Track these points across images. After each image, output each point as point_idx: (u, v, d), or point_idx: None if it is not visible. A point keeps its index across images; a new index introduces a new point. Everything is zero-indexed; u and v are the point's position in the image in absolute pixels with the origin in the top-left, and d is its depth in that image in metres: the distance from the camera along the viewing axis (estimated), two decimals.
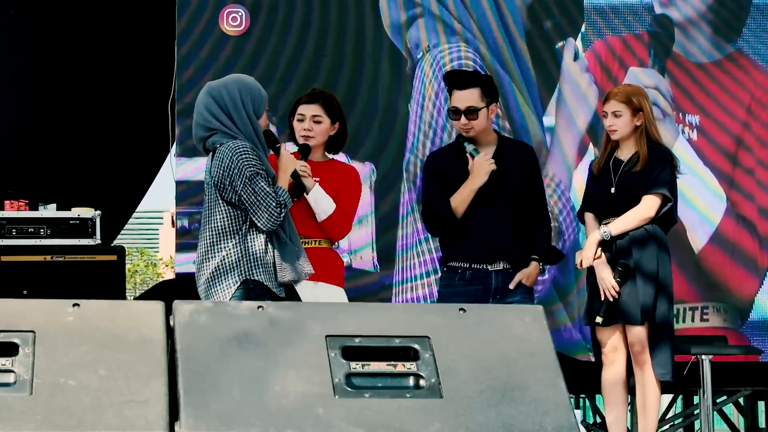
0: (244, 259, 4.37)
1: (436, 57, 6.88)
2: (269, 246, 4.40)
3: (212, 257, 4.41)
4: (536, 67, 6.93)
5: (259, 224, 4.37)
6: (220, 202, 4.42)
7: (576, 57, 6.92)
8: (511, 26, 6.94)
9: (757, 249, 6.89)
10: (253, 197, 4.35)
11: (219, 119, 4.43)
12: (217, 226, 4.42)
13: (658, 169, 5.15)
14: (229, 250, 4.38)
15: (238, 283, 4.36)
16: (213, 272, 4.39)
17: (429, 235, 6.45)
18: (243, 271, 4.36)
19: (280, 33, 6.86)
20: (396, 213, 6.82)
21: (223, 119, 4.42)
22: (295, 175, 4.65)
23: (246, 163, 4.34)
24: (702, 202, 6.90)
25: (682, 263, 6.70)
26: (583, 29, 6.96)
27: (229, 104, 4.42)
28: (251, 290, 4.34)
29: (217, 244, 4.41)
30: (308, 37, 6.86)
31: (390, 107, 6.87)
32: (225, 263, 4.38)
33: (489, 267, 5.10)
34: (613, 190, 5.21)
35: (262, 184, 4.35)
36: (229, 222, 4.41)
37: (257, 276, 4.36)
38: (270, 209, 4.34)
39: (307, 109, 5.02)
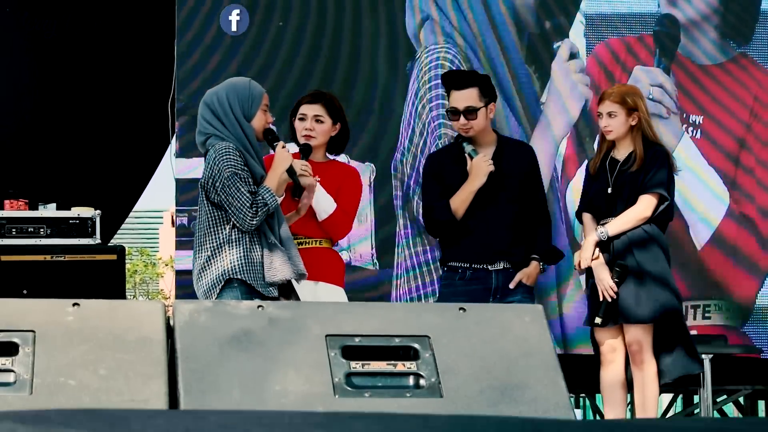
0: (228, 259, 4.41)
1: (420, 59, 6.90)
2: (256, 246, 4.43)
3: (199, 257, 4.48)
4: (532, 67, 6.91)
5: (237, 225, 4.41)
6: (206, 202, 4.48)
7: (572, 56, 6.90)
8: (506, 27, 6.93)
9: (758, 248, 6.88)
10: (229, 198, 4.39)
11: (212, 124, 4.53)
12: (204, 227, 4.49)
13: (654, 169, 5.14)
14: (214, 250, 4.43)
15: (222, 283, 4.40)
16: (200, 272, 4.46)
17: (417, 232, 6.47)
18: (227, 271, 4.40)
19: (278, 32, 6.87)
20: (390, 210, 6.82)
21: (215, 124, 4.52)
22: (291, 171, 4.62)
23: (226, 164, 4.40)
24: (704, 202, 6.89)
25: (683, 261, 6.69)
26: (585, 31, 6.95)
27: (219, 109, 4.51)
28: (235, 289, 4.37)
29: (204, 245, 4.47)
30: (305, 35, 6.86)
31: (387, 106, 6.86)
32: (210, 263, 4.43)
33: (489, 267, 5.10)
34: (609, 190, 5.20)
35: (239, 185, 4.39)
36: (214, 222, 4.46)
37: (241, 275, 4.39)
38: (243, 210, 4.36)
39: (309, 109, 5.03)
